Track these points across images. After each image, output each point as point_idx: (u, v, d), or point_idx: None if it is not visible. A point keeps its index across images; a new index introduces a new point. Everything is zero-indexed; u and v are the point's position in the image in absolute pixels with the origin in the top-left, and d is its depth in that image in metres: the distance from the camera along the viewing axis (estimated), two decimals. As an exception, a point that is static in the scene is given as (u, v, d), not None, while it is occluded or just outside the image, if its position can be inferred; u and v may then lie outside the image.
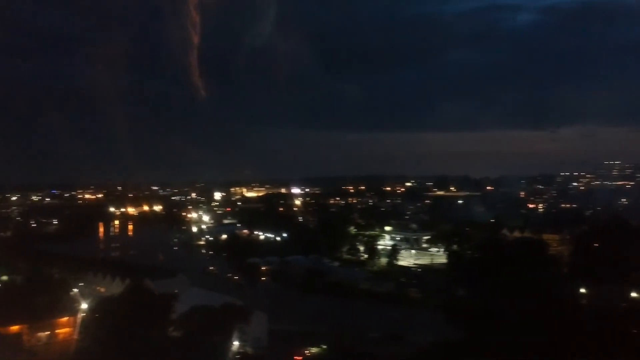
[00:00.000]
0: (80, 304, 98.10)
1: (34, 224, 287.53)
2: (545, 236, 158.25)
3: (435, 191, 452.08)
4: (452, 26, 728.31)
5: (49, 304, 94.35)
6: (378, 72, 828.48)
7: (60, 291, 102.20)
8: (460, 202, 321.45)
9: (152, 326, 65.25)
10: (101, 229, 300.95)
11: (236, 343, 71.71)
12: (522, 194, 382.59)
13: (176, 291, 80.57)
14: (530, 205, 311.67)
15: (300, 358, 78.48)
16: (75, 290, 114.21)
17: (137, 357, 57.53)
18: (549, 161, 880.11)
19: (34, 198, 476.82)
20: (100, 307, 73.91)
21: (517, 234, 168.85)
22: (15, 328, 79.44)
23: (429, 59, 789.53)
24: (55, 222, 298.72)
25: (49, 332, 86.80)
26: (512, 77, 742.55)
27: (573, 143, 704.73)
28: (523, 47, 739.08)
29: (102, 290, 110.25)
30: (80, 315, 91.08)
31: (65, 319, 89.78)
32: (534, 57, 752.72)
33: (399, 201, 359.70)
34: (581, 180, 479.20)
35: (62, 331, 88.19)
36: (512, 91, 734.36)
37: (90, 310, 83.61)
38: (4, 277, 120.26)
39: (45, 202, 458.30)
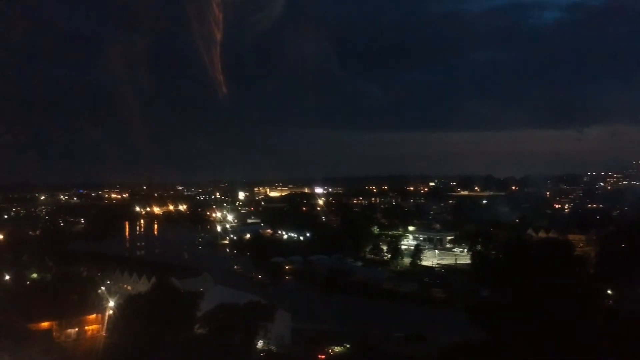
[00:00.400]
0: (107, 302, 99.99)
1: (61, 223, 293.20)
2: (571, 237, 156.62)
3: (459, 191, 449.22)
4: (475, 25, 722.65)
5: (78, 301, 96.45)
6: (401, 72, 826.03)
7: (88, 289, 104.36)
8: (484, 202, 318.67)
9: (178, 323, 66.36)
10: (127, 228, 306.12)
11: (260, 342, 72.40)
12: (548, 194, 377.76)
13: (201, 289, 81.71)
14: (556, 206, 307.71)
15: (324, 357, 78.82)
16: (103, 288, 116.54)
17: (163, 353, 58.56)
18: (575, 161, 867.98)
19: (62, 197, 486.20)
20: (128, 305, 75.22)
21: (542, 234, 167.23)
22: (45, 324, 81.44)
23: (453, 58, 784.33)
24: (82, 221, 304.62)
25: (77, 329, 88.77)
26: (538, 75, 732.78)
27: (600, 142, 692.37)
28: (548, 45, 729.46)
29: (129, 288, 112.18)
30: (108, 312, 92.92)
31: (93, 316, 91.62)
32: (560, 56, 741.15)
33: (422, 201, 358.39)
34: (608, 180, 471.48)
35: (90, 328, 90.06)
36: (538, 90, 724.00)
37: (118, 307, 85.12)
38: (34, 275, 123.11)
39: (73, 201, 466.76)
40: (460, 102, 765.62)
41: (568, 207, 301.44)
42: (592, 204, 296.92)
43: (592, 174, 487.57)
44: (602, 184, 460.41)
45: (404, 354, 78.61)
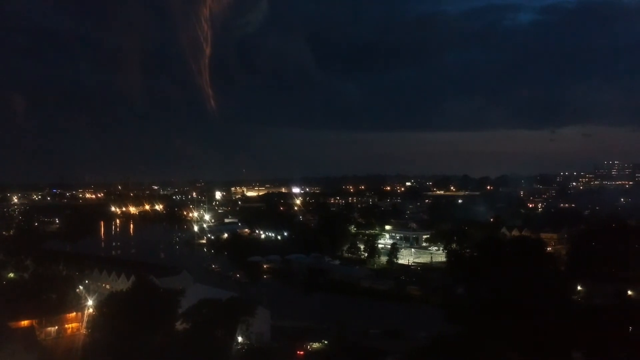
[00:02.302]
0: (86, 301, 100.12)
1: (36, 223, 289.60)
2: (544, 235, 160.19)
3: (435, 190, 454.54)
4: (452, 26, 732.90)
5: (57, 300, 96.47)
6: (379, 72, 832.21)
7: (66, 288, 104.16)
8: (460, 201, 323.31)
9: (159, 320, 67.14)
10: (103, 228, 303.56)
11: (240, 338, 73.44)
12: (522, 193, 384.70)
13: (181, 287, 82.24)
14: (530, 205, 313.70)
15: (303, 353, 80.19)
16: (81, 287, 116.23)
17: (145, 349, 59.37)
18: (548, 161, 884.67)
19: (35, 197, 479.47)
20: (108, 303, 75.71)
21: (515, 232, 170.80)
22: (25, 323, 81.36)
23: (430, 58, 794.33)
24: (57, 221, 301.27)
25: (57, 327, 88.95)
26: (513, 76, 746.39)
27: (573, 143, 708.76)
28: (523, 46, 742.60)
29: (107, 287, 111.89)
30: (87, 311, 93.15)
31: (72, 314, 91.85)
32: (534, 57, 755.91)
33: (399, 200, 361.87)
34: (580, 179, 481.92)
35: (70, 326, 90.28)
36: (512, 91, 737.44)
37: (98, 306, 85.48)
38: (11, 275, 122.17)
39: (47, 201, 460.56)
40: (438, 102, 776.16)
41: (541, 206, 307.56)
42: (564, 204, 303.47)
43: (564, 174, 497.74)
44: (574, 183, 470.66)
45: (380, 349, 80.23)
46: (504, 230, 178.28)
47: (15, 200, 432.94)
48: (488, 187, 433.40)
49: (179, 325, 70.03)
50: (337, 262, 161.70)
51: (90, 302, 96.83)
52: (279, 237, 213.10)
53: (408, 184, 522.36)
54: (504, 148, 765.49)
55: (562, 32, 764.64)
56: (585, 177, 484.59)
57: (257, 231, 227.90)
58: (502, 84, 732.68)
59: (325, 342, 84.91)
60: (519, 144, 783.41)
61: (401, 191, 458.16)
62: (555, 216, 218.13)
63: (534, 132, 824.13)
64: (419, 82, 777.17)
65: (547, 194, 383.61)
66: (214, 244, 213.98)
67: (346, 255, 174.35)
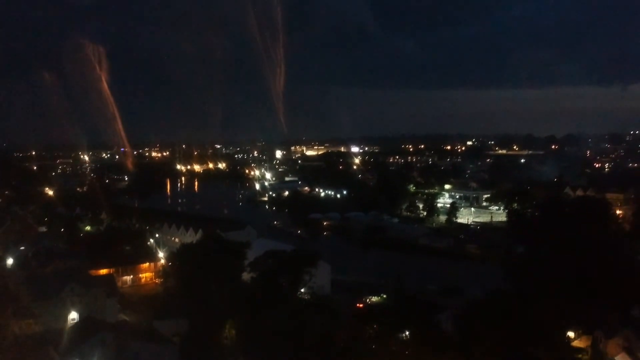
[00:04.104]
0: (157, 252, 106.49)
1: (106, 180, 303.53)
2: (610, 195, 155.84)
3: (497, 150, 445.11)
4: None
5: (131, 251, 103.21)
6: (439, 28, 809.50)
7: (139, 240, 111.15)
8: (522, 161, 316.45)
9: (227, 269, 71.05)
10: (169, 185, 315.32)
11: (302, 289, 76.62)
12: (589, 152, 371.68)
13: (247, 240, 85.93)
14: (596, 165, 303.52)
15: (362, 305, 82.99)
16: (152, 240, 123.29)
17: (215, 297, 63.34)
18: (619, 119, 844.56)
19: (104, 155, 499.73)
20: (179, 254, 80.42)
21: (580, 192, 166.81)
22: (104, 271, 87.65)
23: (493, 13, 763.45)
24: (125, 178, 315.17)
25: (132, 276, 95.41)
26: (581, 32, 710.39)
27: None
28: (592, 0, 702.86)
29: (176, 240, 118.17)
30: (159, 261, 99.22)
31: (146, 264, 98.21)
32: (604, 12, 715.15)
33: (459, 160, 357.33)
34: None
35: (144, 275, 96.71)
36: (581, 46, 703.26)
37: (169, 256, 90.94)
38: (88, 228, 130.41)
39: (115, 160, 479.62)
40: (501, 59, 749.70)
41: (608, 166, 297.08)
42: (633, 163, 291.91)
43: (635, 132, 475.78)
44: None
45: (438, 304, 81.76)
46: (567, 190, 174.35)
47: (86, 159, 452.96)
48: (553, 147, 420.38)
49: (246, 275, 73.98)
50: (395, 220, 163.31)
51: (161, 254, 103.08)
52: (338, 196, 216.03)
53: (469, 143, 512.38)
54: (571, 106, 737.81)
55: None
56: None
57: (316, 189, 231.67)
58: (569, 39, 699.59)
59: (384, 296, 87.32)
60: (587, 102, 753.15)
61: (462, 150, 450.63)
62: (623, 176, 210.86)
63: (604, 89, 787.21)
64: (482, 37, 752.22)
65: (616, 153, 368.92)
66: (275, 201, 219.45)
67: (405, 213, 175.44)
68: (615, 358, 58.14)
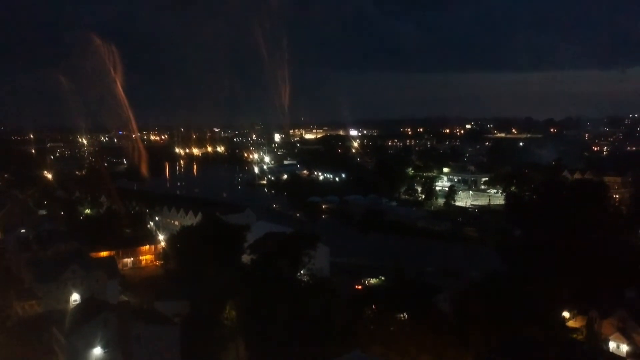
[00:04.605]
0: (157, 235, 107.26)
1: (105, 163, 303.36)
2: (608, 178, 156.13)
3: (496, 133, 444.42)
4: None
5: (131, 234, 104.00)
6: (438, 11, 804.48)
7: (139, 223, 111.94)
8: (521, 144, 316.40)
9: (227, 252, 71.79)
10: (168, 169, 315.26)
11: (302, 271, 77.33)
12: (587, 136, 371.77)
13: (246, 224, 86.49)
14: (595, 148, 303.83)
15: (360, 287, 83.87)
16: (152, 223, 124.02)
17: (215, 278, 63.96)
18: (617, 103, 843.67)
19: (103, 139, 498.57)
20: (179, 237, 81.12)
21: (578, 175, 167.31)
22: (105, 254, 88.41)
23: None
24: (124, 161, 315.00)
25: (132, 259, 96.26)
26: (580, 15, 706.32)
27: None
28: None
29: (176, 223, 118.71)
30: (159, 244, 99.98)
31: (146, 247, 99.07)
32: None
33: (457, 143, 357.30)
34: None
35: (144, 258, 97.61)
36: (580, 29, 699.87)
37: (169, 239, 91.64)
38: (88, 210, 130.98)
39: (114, 143, 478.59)
40: (500, 42, 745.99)
41: (607, 149, 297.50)
42: (631, 147, 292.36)
43: (634, 116, 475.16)
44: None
45: (436, 285, 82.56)
46: (565, 173, 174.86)
47: (84, 142, 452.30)
48: (552, 130, 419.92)
49: (246, 257, 74.69)
50: (394, 203, 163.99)
51: (161, 237, 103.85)
52: (336, 179, 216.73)
53: (468, 126, 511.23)
54: (570, 89, 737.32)
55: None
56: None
57: (315, 173, 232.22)
58: (568, 21, 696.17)
59: (382, 278, 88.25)
60: (586, 85, 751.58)
61: (460, 134, 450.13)
62: (621, 159, 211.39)
63: (603, 73, 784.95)
64: (481, 20, 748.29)
65: (614, 136, 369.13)
66: (274, 184, 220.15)
67: (403, 197, 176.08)
68: (610, 338, 59.07)
